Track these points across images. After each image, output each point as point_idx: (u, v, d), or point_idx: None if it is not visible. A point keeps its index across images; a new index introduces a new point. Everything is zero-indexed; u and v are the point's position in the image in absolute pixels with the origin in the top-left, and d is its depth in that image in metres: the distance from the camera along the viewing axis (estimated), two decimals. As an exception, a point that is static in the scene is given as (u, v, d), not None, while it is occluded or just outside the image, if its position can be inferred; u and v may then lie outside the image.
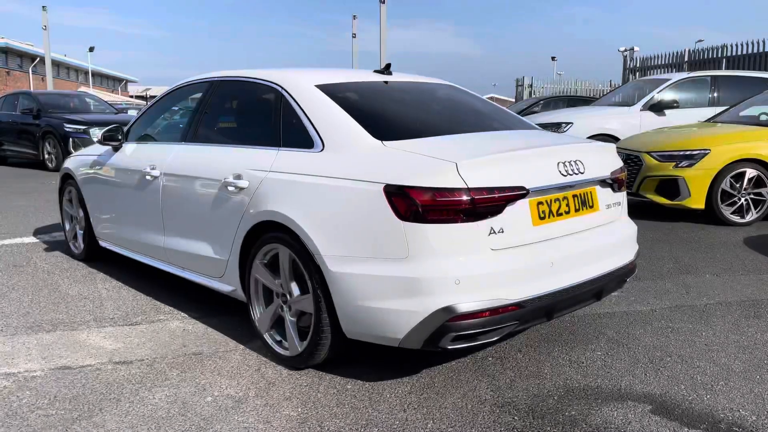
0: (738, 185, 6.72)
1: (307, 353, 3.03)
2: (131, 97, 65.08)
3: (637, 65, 18.74)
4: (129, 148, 4.48)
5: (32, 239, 6.17)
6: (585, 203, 3.09)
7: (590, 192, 3.13)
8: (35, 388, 2.95)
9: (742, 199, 6.75)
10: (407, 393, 2.90)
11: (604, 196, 3.22)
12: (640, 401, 2.80)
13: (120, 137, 4.52)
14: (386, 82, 3.70)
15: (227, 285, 3.54)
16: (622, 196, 3.40)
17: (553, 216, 2.92)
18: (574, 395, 2.86)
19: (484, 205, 2.63)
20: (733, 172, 6.69)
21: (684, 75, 10.10)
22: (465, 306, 2.58)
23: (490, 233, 2.67)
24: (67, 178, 5.28)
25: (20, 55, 51.51)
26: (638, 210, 7.74)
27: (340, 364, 3.17)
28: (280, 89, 3.41)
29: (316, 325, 2.95)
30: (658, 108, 9.72)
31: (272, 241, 3.12)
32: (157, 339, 3.55)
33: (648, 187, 7.02)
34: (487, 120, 3.61)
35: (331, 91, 3.31)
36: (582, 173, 3.01)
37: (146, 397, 2.85)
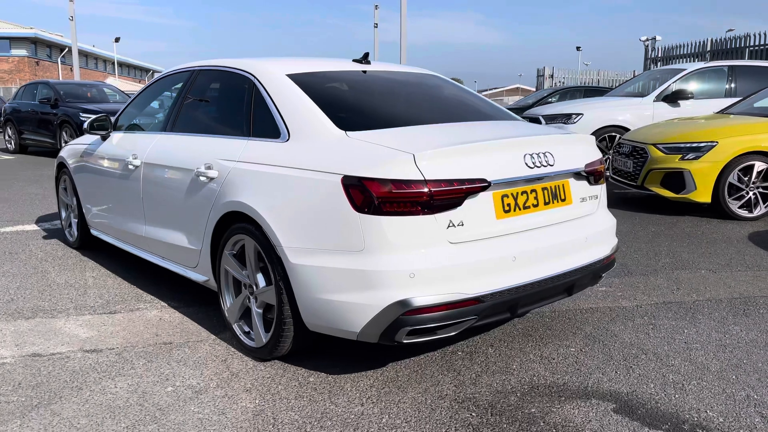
0: (746, 179, 6.53)
1: (271, 345, 3.02)
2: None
3: (659, 55, 18.35)
4: (116, 137, 4.50)
5: (33, 227, 6.26)
6: (556, 196, 3.02)
7: (562, 185, 3.05)
8: (1, 375, 2.98)
9: (750, 193, 6.56)
10: (369, 386, 2.86)
11: (578, 189, 3.14)
12: (604, 399, 2.74)
13: (108, 127, 4.54)
14: (364, 72, 3.65)
15: (201, 275, 3.54)
16: (599, 189, 3.31)
17: (520, 209, 2.85)
18: (538, 392, 2.81)
19: (442, 197, 2.58)
20: (741, 165, 6.50)
21: (700, 65, 9.84)
22: (420, 300, 2.54)
23: (449, 226, 2.62)
24: (62, 167, 5.34)
25: (49, 46, 52.40)
26: (643, 203, 7.59)
27: (308, 356, 3.16)
28: (252, 78, 3.39)
29: (278, 317, 2.93)
30: (672, 99, 9.49)
31: (239, 232, 3.11)
32: (132, 328, 3.57)
33: (653, 180, 6.87)
34: (463, 111, 3.54)
35: (301, 80, 3.27)
36: (551, 165, 2.94)
37: (108, 386, 2.87)
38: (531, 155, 2.86)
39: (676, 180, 6.69)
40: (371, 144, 2.73)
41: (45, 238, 5.78)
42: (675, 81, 9.62)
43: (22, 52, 48.57)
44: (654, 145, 6.86)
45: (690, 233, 6.01)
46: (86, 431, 2.50)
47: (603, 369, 3.03)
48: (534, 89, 27.92)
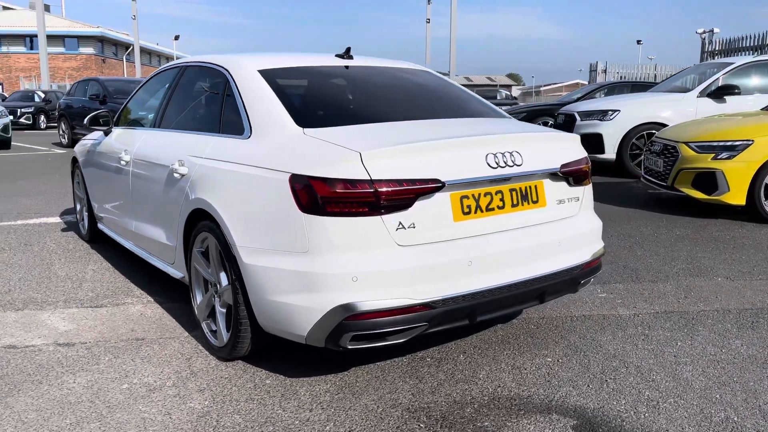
0: (785, 180, 6.11)
1: (230, 345, 2.98)
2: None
3: (716, 48, 17.47)
4: (115, 133, 4.56)
5: (57, 219, 6.45)
6: (527, 198, 2.85)
7: (534, 186, 2.88)
8: (-30, 366, 3.05)
9: (790, 196, 6.13)
10: (324, 391, 2.78)
11: (554, 190, 2.97)
12: (566, 415, 2.57)
13: (109, 122, 4.61)
14: (346, 67, 3.56)
15: (178, 271, 3.54)
16: (582, 191, 3.12)
17: (482, 211, 2.71)
18: (497, 404, 2.66)
19: (390, 198, 2.47)
20: (780, 166, 6.08)
21: (748, 59, 9.29)
22: (363, 305, 2.44)
23: (398, 228, 2.50)
24: (75, 162, 5.47)
25: (115, 44, 54.41)
26: (675, 205, 7.21)
27: (273, 357, 3.10)
28: (226, 74, 3.35)
29: (234, 317, 2.88)
30: (717, 94, 8.99)
31: (204, 230, 3.08)
32: (111, 323, 3.60)
33: (683, 181, 6.51)
34: (438, 108, 3.41)
35: (272, 75, 3.21)
36: (518, 165, 2.77)
37: (67, 381, 2.88)
38: (494, 155, 2.71)
39: (708, 181, 6.32)
40: (323, 142, 2.64)
41: (63, 230, 5.94)
42: (721, 75, 9.12)
43: (90, 50, 50.61)
44: (685, 143, 6.50)
45: (718, 238, 5.65)
46: (32, 426, 2.51)
47: (575, 382, 2.86)
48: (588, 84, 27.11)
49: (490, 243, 2.70)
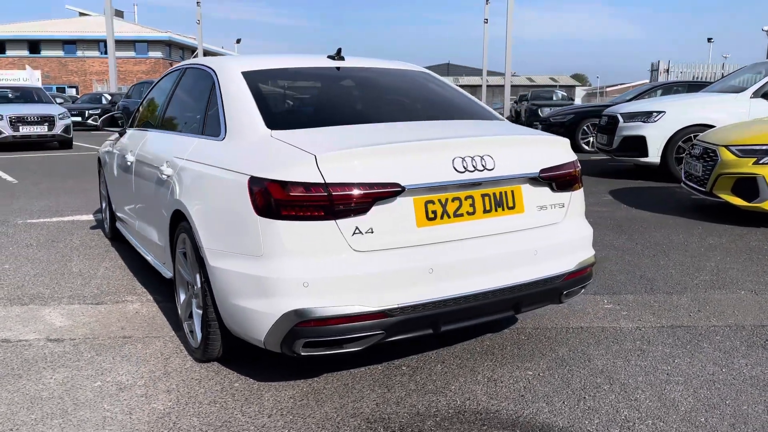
0: (835, 187, 5.67)
1: (203, 347, 2.98)
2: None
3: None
4: (128, 134, 4.67)
5: (88, 217, 6.67)
6: (501, 204, 2.73)
7: (510, 191, 2.76)
8: (-39, 358, 3.17)
9: (839, 204, 5.69)
10: (289, 397, 2.74)
11: (534, 196, 2.83)
12: (530, 434, 2.44)
13: (123, 123, 4.72)
14: (338, 68, 3.52)
15: (168, 271, 3.58)
16: (568, 197, 2.97)
17: (449, 217, 2.60)
18: (461, 418, 2.55)
19: (345, 202, 2.40)
20: (829, 171, 5.65)
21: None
22: (315, 311, 2.39)
23: (355, 233, 2.43)
24: (99, 161, 5.64)
25: (182, 48, 56.28)
26: (717, 212, 6.81)
27: (248, 360, 3.08)
28: (213, 76, 3.36)
29: (203, 319, 2.88)
30: (773, 95, 8.46)
31: (183, 231, 3.10)
32: (105, 320, 3.67)
33: (722, 186, 6.14)
34: (423, 110, 3.33)
35: (254, 77, 3.20)
36: (490, 170, 2.66)
37: (45, 377, 2.95)
38: (463, 159, 2.60)
39: (749, 187, 5.94)
40: (285, 144, 2.60)
41: (91, 228, 6.14)
42: (778, 75, 8.58)
43: (158, 54, 52.54)
44: (726, 146, 6.14)
45: (753, 248, 5.30)
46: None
47: (550, 398, 2.71)
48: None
49: (456, 250, 2.59)
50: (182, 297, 3.33)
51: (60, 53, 53.57)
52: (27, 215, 6.82)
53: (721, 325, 3.56)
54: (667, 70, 22.28)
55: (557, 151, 2.94)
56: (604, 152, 10.01)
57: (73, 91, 49.38)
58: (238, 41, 48.30)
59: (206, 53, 55.03)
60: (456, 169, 2.58)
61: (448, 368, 3.01)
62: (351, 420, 2.56)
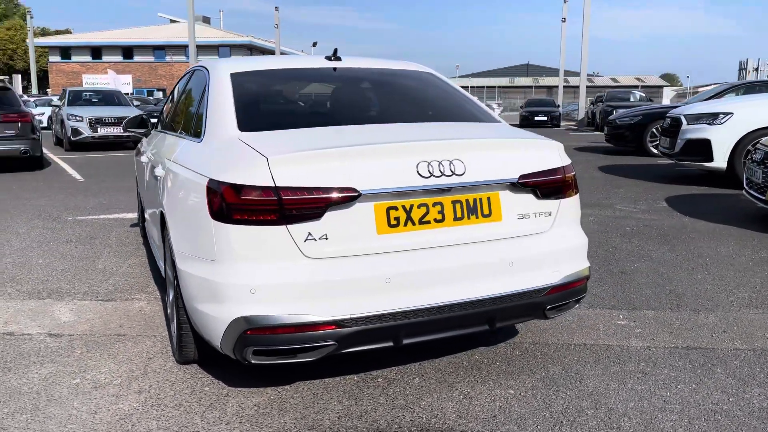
0: None
1: (178, 348, 2.97)
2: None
3: None
4: (151, 135, 4.77)
5: (132, 215, 6.90)
6: (475, 211, 2.57)
7: (486, 198, 2.59)
8: (-38, 349, 3.30)
9: None
10: (253, 405, 2.68)
11: (515, 203, 2.65)
12: (488, 459, 2.27)
13: (146, 125, 4.82)
14: (334, 69, 3.44)
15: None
16: (556, 205, 2.76)
17: (413, 224, 2.47)
18: (420, 438, 2.42)
19: (297, 206, 2.32)
20: None
21: None
22: (262, 319, 2.31)
23: (307, 239, 2.35)
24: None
25: (262, 51, 57.88)
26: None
27: (226, 363, 3.05)
28: (207, 77, 3.36)
29: (177, 320, 2.88)
30: None
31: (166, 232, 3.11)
32: (107, 317, 3.75)
33: (783, 195, 5.63)
34: (408, 111, 3.20)
35: (241, 79, 3.17)
36: (460, 175, 2.50)
37: (31, 372, 3.03)
38: (429, 163, 2.46)
39: (813, 195, 5.41)
40: (246, 146, 2.54)
41: (131, 226, 6.34)
42: None
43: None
44: (788, 151, 5.62)
45: (811, 262, 4.82)
46: (-25, 412, 2.66)
47: (524, 421, 2.53)
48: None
49: (419, 259, 2.45)
50: (170, 297, 3.34)
51: (150, 58, 56.38)
52: (79, 212, 7.14)
53: (745, 348, 3.22)
54: (757, 69, 20.87)
55: (544, 155, 2.74)
56: (666, 156, 9.45)
57: (160, 95, 51.80)
58: (315, 44, 49.11)
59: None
60: (420, 174, 2.44)
61: (426, 382, 2.87)
62: (306, 431, 2.47)
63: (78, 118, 15.45)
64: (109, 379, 2.94)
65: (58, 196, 8.30)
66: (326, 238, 2.36)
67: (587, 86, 31.51)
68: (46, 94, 48.32)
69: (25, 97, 37.64)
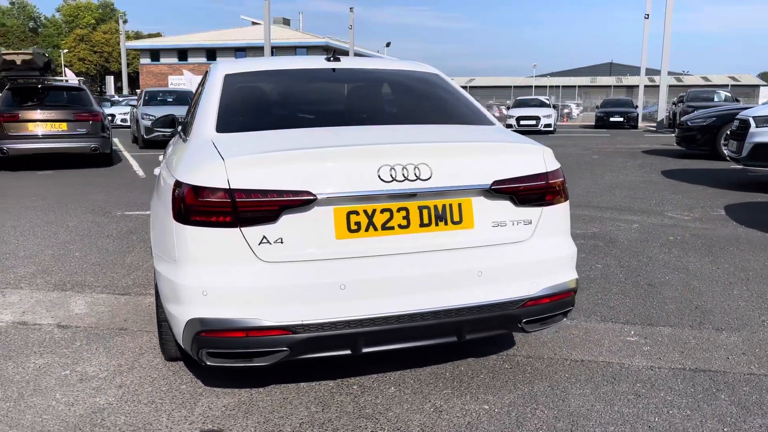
0: None
1: (161, 346, 3.02)
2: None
3: None
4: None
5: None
6: (444, 218, 2.46)
7: (457, 204, 2.48)
8: (-25, 336, 3.49)
9: None
10: (222, 406, 2.68)
11: (490, 210, 2.52)
12: (437, 477, 2.17)
13: (174, 125, 4.94)
14: (333, 70, 3.40)
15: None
16: (537, 213, 2.61)
17: (375, 230, 2.39)
18: (374, 450, 2.34)
19: (251, 209, 2.29)
20: None
21: None
22: (212, 321, 2.30)
23: (262, 242, 2.32)
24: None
25: (337, 52, 58.70)
26: None
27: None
28: (206, 79, 3.40)
29: (158, 318, 2.92)
30: None
31: None
32: (115, 310, 3.86)
33: None
34: (395, 114, 3.11)
35: (234, 80, 3.18)
36: (425, 180, 2.40)
37: (28, 362, 3.15)
38: (392, 167, 2.37)
39: None
40: (212, 148, 2.54)
41: (172, 222, 6.55)
42: None
43: (315, 58, 55.20)
44: None
45: None
46: (-34, 397, 2.79)
47: (488, 439, 2.40)
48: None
49: (378, 266, 2.37)
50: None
51: (231, 59, 58.48)
52: (129, 207, 7.44)
53: (761, 374, 2.95)
54: None
55: (524, 160, 2.59)
56: (734, 161, 8.85)
57: (240, 94, 53.46)
58: (388, 44, 49.42)
59: (357, 56, 56.81)
60: (382, 179, 2.36)
61: (400, 391, 2.79)
62: (265, 437, 2.45)
63: (151, 117, 16.15)
64: (96, 372, 3.03)
65: (116, 192, 8.68)
66: (281, 242, 2.32)
67: (674, 85, 30.08)
68: (135, 94, 51.01)
69: (116, 97, 39.83)
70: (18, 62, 11.38)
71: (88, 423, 2.56)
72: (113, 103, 31.97)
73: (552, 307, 2.62)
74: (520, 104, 26.68)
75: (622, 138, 20.98)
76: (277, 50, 52.04)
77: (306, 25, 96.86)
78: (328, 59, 3.45)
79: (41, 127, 10.95)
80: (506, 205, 2.54)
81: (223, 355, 2.38)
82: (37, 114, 10.92)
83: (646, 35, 34.55)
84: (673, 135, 14.54)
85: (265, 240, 2.31)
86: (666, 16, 26.51)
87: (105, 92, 52.56)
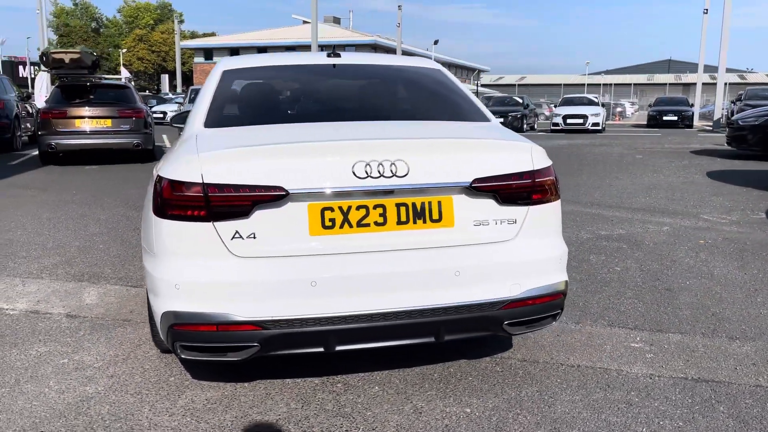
0: None
1: (154, 337, 3.06)
2: (481, 86, 68.69)
3: None
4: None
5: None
6: (423, 215, 2.41)
7: (437, 202, 2.42)
8: (-12, 323, 3.62)
9: None
10: (204, 399, 2.69)
11: (471, 208, 2.45)
12: (401, 480, 2.12)
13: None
14: (334, 66, 3.38)
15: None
16: (523, 212, 2.52)
17: (350, 226, 2.36)
18: (345, 450, 2.31)
19: (223, 204, 2.30)
20: None
21: None
22: (184, 315, 2.32)
23: (235, 237, 2.31)
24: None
25: (386, 50, 58.78)
26: None
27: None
28: (210, 74, 3.43)
29: (149, 310, 2.96)
30: None
31: None
32: (124, 302, 3.95)
33: None
34: (386, 110, 3.07)
35: (232, 76, 3.20)
36: (402, 177, 2.35)
37: (31, 349, 3.25)
38: (366, 163, 2.33)
39: None
40: (194, 142, 2.56)
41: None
42: None
43: (365, 56, 55.49)
44: None
45: None
46: (-33, 382, 2.90)
47: (463, 443, 2.34)
48: None
49: (351, 263, 2.34)
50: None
51: (237, 56, 59.41)
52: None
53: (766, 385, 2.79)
54: None
55: (509, 157, 2.51)
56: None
57: (290, 92, 54.22)
58: (436, 42, 49.13)
59: (405, 54, 56.89)
60: (356, 175, 2.32)
61: (384, 391, 2.75)
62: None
63: (196, 114, 16.50)
64: (92, 361, 3.09)
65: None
66: (254, 237, 2.31)
67: (736, 83, 28.92)
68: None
69: (169, 95, 40.90)
70: (66, 61, 11.81)
71: (74, 411, 2.61)
72: (162, 101, 32.83)
73: (537, 309, 2.53)
74: (566, 102, 26.11)
75: (672, 137, 20.32)
76: (326, 48, 52.31)
77: (356, 23, 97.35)
78: (329, 55, 3.43)
79: (87, 123, 11.33)
80: (489, 203, 2.47)
81: (196, 348, 2.39)
82: (84, 111, 11.30)
83: (705, 31, 33.36)
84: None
85: (237, 235, 2.31)
86: (724, 10, 25.52)
87: (161, 90, 54.05)
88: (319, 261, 2.33)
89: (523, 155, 2.55)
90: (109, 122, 11.38)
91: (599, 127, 23.82)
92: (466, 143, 2.55)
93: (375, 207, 2.37)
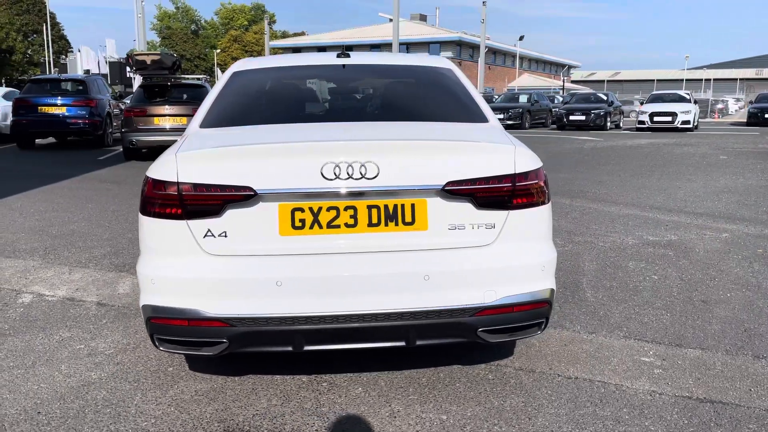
0: None
1: (153, 333, 3.19)
2: (571, 82, 66.63)
3: None
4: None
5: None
6: (395, 218, 2.38)
7: (410, 205, 2.38)
8: (21, 307, 3.87)
9: None
10: (192, 391, 2.78)
11: (446, 212, 2.40)
12: (352, 484, 2.11)
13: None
14: (344, 66, 3.39)
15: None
16: (503, 217, 2.44)
17: (320, 227, 2.36)
18: (308, 449, 2.32)
19: (195, 202, 2.36)
20: None
21: None
22: (158, 309, 2.41)
23: (207, 235, 2.38)
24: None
25: (471, 47, 58.19)
26: None
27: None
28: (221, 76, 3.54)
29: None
30: None
31: None
32: (152, 293, 4.14)
33: None
34: (381, 111, 3.03)
35: (238, 78, 3.28)
36: (372, 179, 2.33)
37: (55, 333, 3.46)
38: (335, 165, 2.33)
39: None
40: (184, 142, 2.64)
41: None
42: None
43: (449, 53, 55.16)
44: None
45: None
46: (-11, 363, 3.13)
47: (427, 451, 2.30)
48: None
49: (320, 264, 2.34)
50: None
51: (252, 58, 60.12)
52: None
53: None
54: None
55: (487, 160, 2.43)
56: None
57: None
58: (521, 38, 48.10)
59: (496, 51, 56.08)
60: (325, 177, 2.32)
61: (366, 393, 2.74)
62: (215, 424, 2.51)
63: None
64: (105, 348, 3.26)
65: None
66: (225, 236, 2.37)
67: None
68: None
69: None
70: (148, 62, 12.48)
71: (73, 395, 2.77)
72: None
73: (516, 317, 2.44)
74: (654, 99, 24.77)
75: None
76: (410, 46, 52.51)
77: (442, 20, 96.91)
78: (339, 55, 3.45)
79: (166, 120, 11.92)
80: (466, 207, 2.40)
81: (171, 341, 2.47)
82: (163, 109, 11.90)
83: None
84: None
85: (209, 233, 2.37)
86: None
87: (251, 89, 56.10)
88: (285, 261, 2.36)
89: (504, 157, 2.46)
90: (184, 120, 11.91)
91: (690, 126, 22.53)
92: (439, 145, 2.49)
93: (346, 209, 2.37)
